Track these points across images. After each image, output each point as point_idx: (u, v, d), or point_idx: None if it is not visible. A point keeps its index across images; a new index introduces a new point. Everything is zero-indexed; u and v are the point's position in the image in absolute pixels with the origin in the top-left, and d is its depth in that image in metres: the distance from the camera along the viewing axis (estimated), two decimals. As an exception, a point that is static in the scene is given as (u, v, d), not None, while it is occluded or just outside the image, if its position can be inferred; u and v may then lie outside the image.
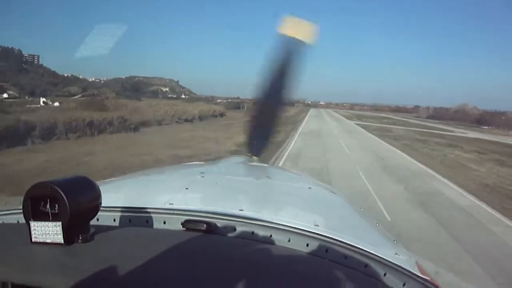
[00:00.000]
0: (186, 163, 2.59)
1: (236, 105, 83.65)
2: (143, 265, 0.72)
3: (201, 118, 47.73)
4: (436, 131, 45.53)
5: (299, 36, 1.86)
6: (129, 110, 39.99)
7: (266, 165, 2.44)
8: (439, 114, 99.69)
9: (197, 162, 2.39)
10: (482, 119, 74.63)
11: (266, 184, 1.65)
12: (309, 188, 1.64)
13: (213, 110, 57.86)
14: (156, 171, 2.06)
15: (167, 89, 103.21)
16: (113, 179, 1.69)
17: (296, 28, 1.88)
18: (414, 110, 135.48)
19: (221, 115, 58.11)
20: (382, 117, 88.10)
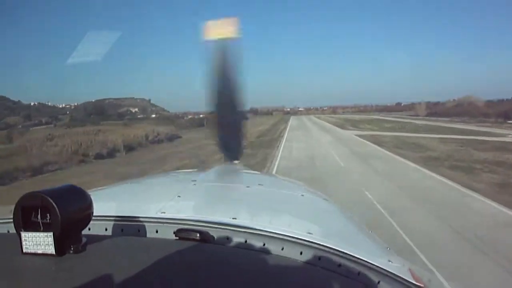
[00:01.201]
0: (178, 171, 2.69)
1: (200, 121, 71.17)
2: (136, 275, 0.71)
3: (131, 147, 32.56)
4: (480, 137, 29.43)
5: (224, 35, 1.85)
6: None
7: (258, 172, 2.53)
8: (441, 110, 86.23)
9: (189, 170, 2.48)
10: (503, 112, 60.38)
11: (259, 192, 1.62)
12: (302, 195, 1.66)
13: (156, 133, 42.43)
14: (148, 179, 2.06)
15: (136, 109, 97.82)
16: (104, 187, 1.69)
17: (219, 29, 1.87)
18: (407, 108, 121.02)
19: (171, 139, 42.65)
20: (379, 120, 72.43)
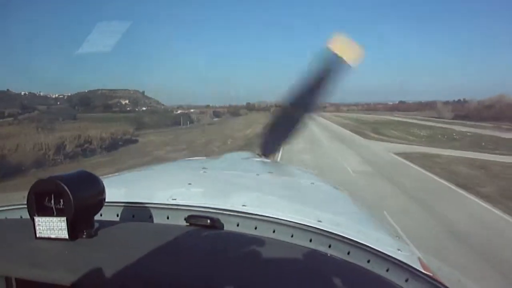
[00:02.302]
0: (189, 159, 2.59)
1: (178, 118, 59.32)
2: (147, 260, 0.72)
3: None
4: None
5: (344, 56, 1.85)
6: None
7: (268, 160, 2.48)
8: (470, 112, 70.58)
9: (200, 158, 2.50)
10: None
11: (269, 179, 1.64)
12: (312, 183, 1.68)
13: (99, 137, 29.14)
14: (159, 167, 2.06)
15: (126, 101, 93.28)
16: (116, 174, 1.71)
17: (344, 47, 1.87)
18: (422, 107, 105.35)
19: (115, 145, 29.22)
20: (402, 124, 53.54)
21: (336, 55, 1.84)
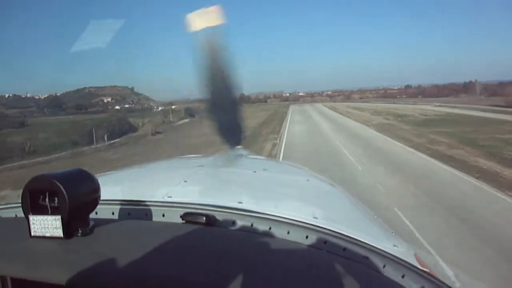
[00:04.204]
0: (184, 156, 2.55)
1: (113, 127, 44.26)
2: (143, 258, 0.72)
3: None
4: None
5: (209, 24, 1.83)
6: None
7: (264, 157, 2.55)
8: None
9: (195, 155, 2.47)
10: None
11: (265, 177, 1.64)
12: (307, 180, 1.67)
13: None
14: (154, 165, 2.05)
15: (109, 99, 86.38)
16: (111, 172, 1.69)
17: (203, 18, 1.85)
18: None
19: None
20: (485, 122, 29.73)
21: (202, 30, 1.81)
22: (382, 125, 32.04)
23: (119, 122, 37.73)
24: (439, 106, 60.53)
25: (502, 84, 71.91)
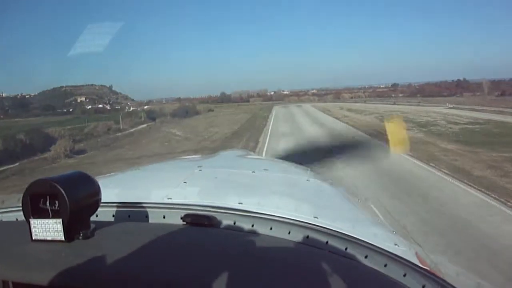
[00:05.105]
0: (184, 157, 2.63)
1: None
2: (144, 260, 0.72)
3: None
4: None
5: None
6: None
7: (263, 157, 3.57)
8: None
9: (195, 156, 2.57)
10: None
11: (265, 177, 1.62)
12: (307, 180, 1.64)
13: None
14: (154, 166, 2.03)
15: (82, 98, 78.00)
16: (111, 174, 1.69)
17: None
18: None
19: None
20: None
21: None
22: (415, 143, 15.66)
23: (31, 135, 26.45)
24: (454, 108, 49.49)
25: (507, 83, 61.81)
